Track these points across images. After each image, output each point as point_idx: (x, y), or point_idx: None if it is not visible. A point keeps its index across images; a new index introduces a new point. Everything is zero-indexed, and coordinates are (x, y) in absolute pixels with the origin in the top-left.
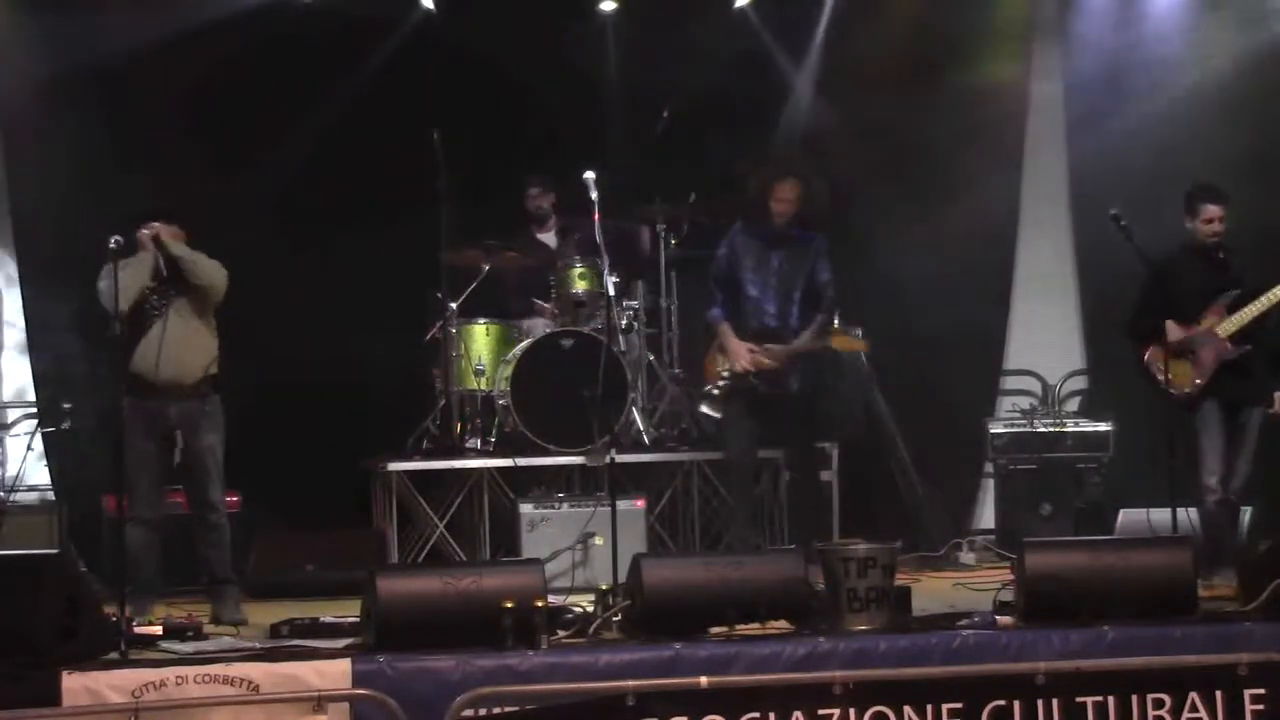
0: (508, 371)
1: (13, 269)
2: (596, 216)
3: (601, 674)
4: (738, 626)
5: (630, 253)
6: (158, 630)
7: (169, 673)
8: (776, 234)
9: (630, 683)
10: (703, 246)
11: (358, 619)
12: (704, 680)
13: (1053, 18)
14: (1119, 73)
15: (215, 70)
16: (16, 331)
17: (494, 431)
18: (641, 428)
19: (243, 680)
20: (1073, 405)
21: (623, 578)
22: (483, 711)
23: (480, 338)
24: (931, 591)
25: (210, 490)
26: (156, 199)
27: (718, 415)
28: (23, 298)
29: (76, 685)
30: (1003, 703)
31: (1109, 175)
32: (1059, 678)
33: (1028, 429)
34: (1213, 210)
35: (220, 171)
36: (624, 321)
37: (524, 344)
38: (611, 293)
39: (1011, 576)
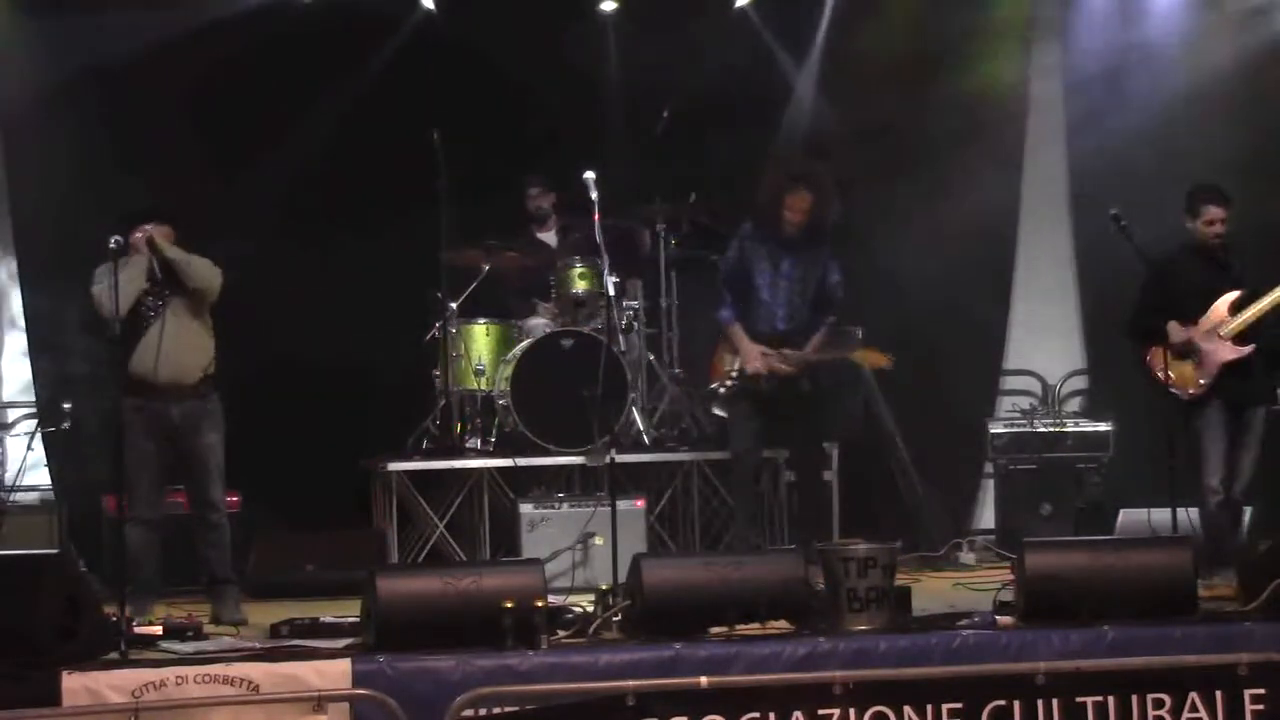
0: (508, 371)
1: (13, 269)
2: (596, 216)
3: (601, 674)
4: (738, 626)
5: (630, 252)
6: (158, 630)
7: (169, 673)
8: (787, 240)
9: (630, 683)
10: (703, 246)
11: (358, 619)
12: (704, 680)
13: (1053, 18)
14: (1119, 73)
15: (215, 70)
16: (17, 331)
17: (494, 431)
18: (641, 428)
19: (243, 680)
20: (1073, 405)
21: (623, 578)
22: (483, 711)
23: (480, 338)
24: (931, 591)
25: (211, 490)
26: (155, 199)
27: (724, 414)
28: (23, 298)
29: (76, 685)
30: (1003, 703)
31: (1109, 175)
32: (1059, 678)
33: (1028, 429)
34: (1214, 212)
35: (220, 171)
36: (624, 321)
37: (524, 344)
38: (611, 293)
39: (1011, 576)
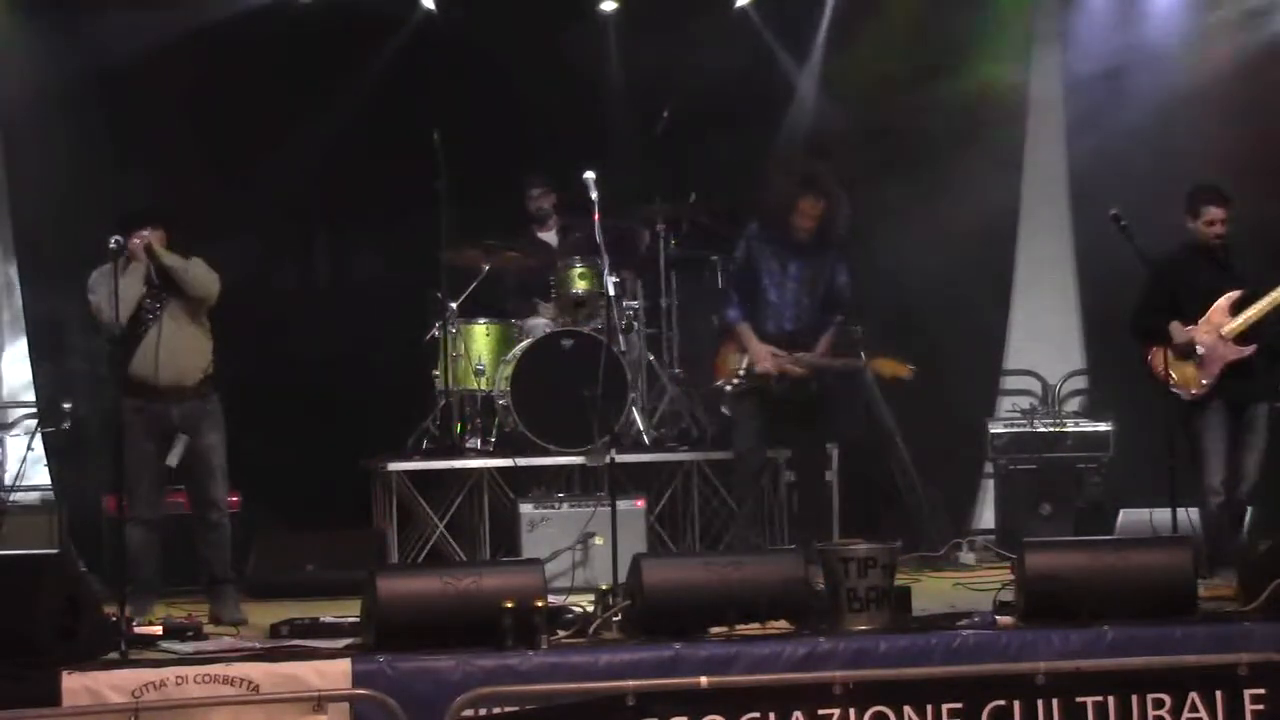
0: (508, 371)
1: (13, 270)
2: (596, 216)
3: (601, 674)
4: (738, 626)
5: (628, 253)
6: (158, 630)
7: (169, 673)
8: (797, 244)
9: (630, 683)
10: (703, 246)
11: (358, 619)
12: (704, 680)
13: (1053, 18)
14: (1119, 73)
15: (215, 71)
16: (17, 332)
17: (494, 431)
18: (641, 428)
19: (243, 680)
20: (1073, 405)
21: (623, 578)
22: (483, 711)
23: (480, 338)
24: (931, 591)
25: (213, 489)
26: (152, 201)
27: (729, 412)
28: (23, 298)
29: (76, 685)
30: (1003, 703)
31: (1109, 175)
32: (1059, 678)
33: (1028, 429)
34: (1215, 212)
35: (220, 171)
36: (624, 321)
37: (524, 344)
38: (611, 293)
39: (1011, 576)
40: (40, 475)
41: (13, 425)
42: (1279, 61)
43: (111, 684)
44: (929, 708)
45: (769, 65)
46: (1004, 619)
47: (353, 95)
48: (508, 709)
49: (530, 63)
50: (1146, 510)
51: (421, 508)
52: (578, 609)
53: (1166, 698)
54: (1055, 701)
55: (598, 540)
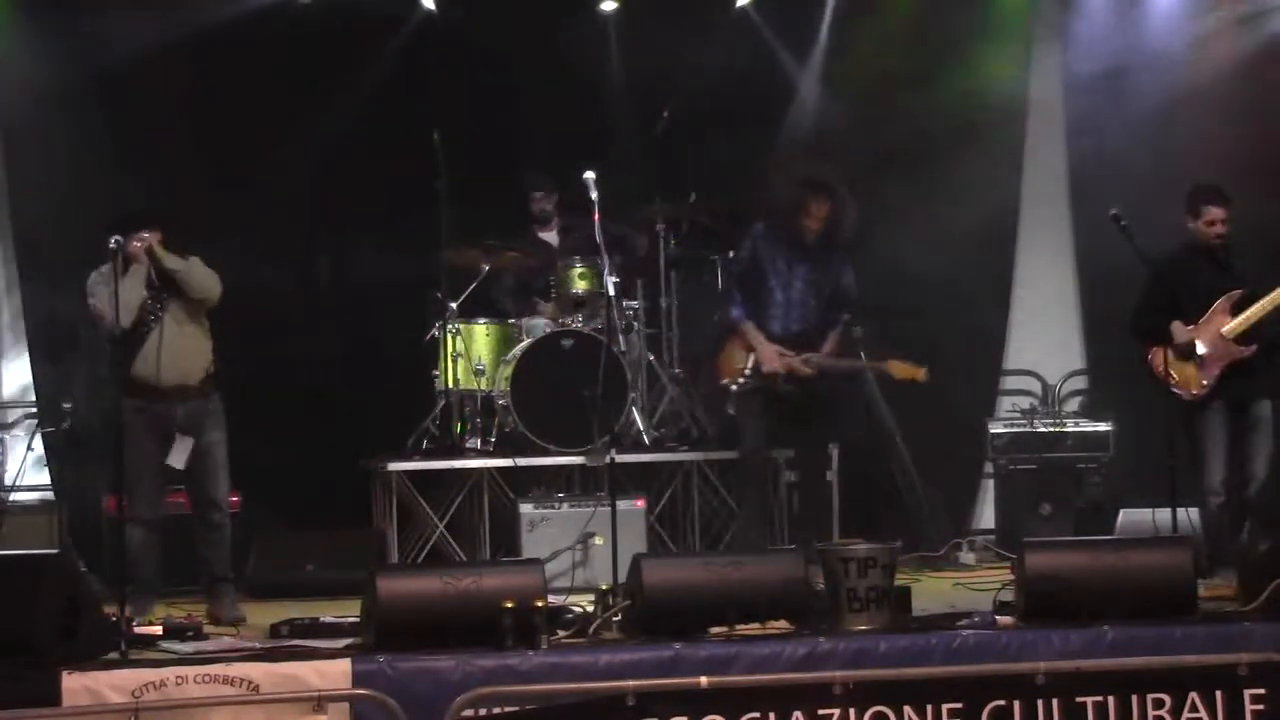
0: (508, 371)
1: (13, 270)
2: (596, 216)
3: (601, 674)
4: (738, 626)
5: (625, 257)
6: (158, 630)
7: (169, 673)
8: (804, 245)
9: (630, 683)
10: (703, 246)
11: (358, 619)
12: (704, 680)
13: (1053, 18)
14: (1119, 73)
15: (215, 71)
16: (17, 332)
17: (494, 431)
18: (641, 428)
19: (243, 680)
20: (1073, 405)
21: (623, 578)
22: (483, 711)
23: (480, 338)
24: (931, 591)
25: (215, 488)
26: (151, 202)
27: (733, 412)
28: (23, 298)
29: (76, 685)
30: (1003, 703)
31: (1109, 175)
32: (1059, 678)
33: (1028, 429)
34: (1215, 212)
35: (220, 171)
36: (624, 321)
37: (524, 344)
38: (611, 293)
39: (1011, 576)
40: (40, 475)
41: (13, 425)
42: (1279, 61)
43: (111, 684)
44: (929, 708)
45: (769, 65)
46: (1004, 619)
47: (353, 95)
48: (508, 709)
49: (530, 62)
50: (1147, 510)
51: (421, 508)
52: (578, 609)
53: (1166, 698)
54: (1055, 701)
55: (598, 540)
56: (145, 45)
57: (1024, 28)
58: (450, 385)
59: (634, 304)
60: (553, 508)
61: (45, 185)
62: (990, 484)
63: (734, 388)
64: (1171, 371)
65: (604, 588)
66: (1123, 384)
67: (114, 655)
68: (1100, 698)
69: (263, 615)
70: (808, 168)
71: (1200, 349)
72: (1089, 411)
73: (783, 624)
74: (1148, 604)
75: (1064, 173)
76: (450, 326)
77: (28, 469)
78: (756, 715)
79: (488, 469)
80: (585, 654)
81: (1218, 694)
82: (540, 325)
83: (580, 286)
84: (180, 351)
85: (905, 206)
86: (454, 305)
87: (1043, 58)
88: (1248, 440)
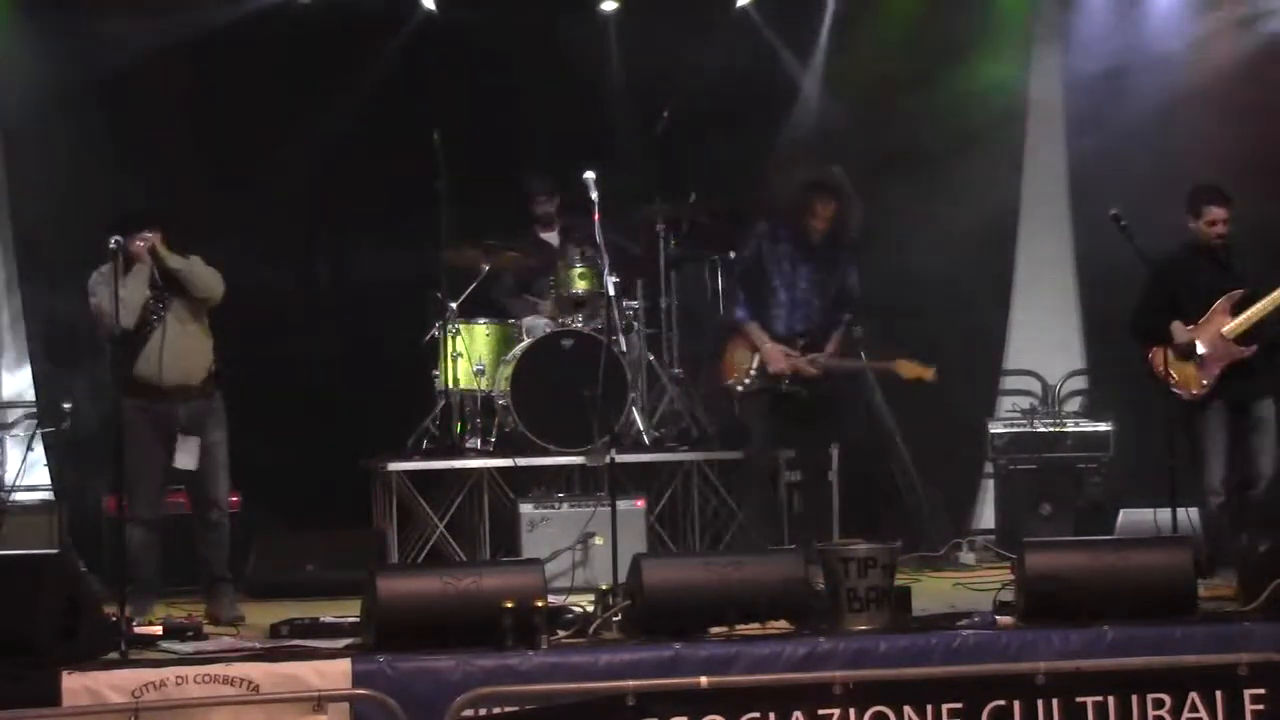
0: (508, 371)
1: (13, 270)
2: (596, 216)
3: (601, 674)
4: (738, 626)
5: (623, 268)
6: (158, 630)
7: (169, 673)
8: (809, 245)
9: (630, 683)
10: (703, 246)
11: (358, 619)
12: (704, 680)
13: (1053, 18)
14: (1119, 73)
15: (215, 71)
16: (17, 332)
17: (494, 431)
18: (641, 428)
19: (243, 680)
20: (1073, 405)
21: (623, 578)
22: (483, 711)
23: (480, 338)
24: (931, 591)
25: (216, 488)
26: (151, 202)
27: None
28: (23, 299)
29: (76, 685)
30: (1003, 703)
31: (1109, 175)
32: (1059, 678)
33: (1028, 429)
34: (1216, 212)
35: (220, 172)
36: (624, 321)
37: (524, 344)
38: (611, 293)
39: (1011, 576)
40: (40, 475)
41: (13, 425)
42: (1279, 61)
43: (111, 684)
44: (929, 708)
45: (769, 65)
46: (1004, 619)
47: (353, 95)
48: (508, 709)
49: (530, 62)
50: (1147, 510)
51: (421, 508)
52: (578, 609)
53: (1166, 698)
54: (1055, 701)
55: (598, 540)
56: (145, 45)
57: (1024, 28)
58: (450, 385)
59: (634, 304)
60: (553, 508)
61: (45, 185)
62: (990, 484)
63: (739, 389)
64: (1171, 371)
65: (604, 588)
66: (1123, 384)
67: (114, 655)
68: (1100, 698)
69: (263, 615)
70: (813, 168)
71: (1200, 349)
72: (1089, 411)
73: (783, 624)
74: (1148, 604)
75: (1064, 173)
76: (450, 326)
77: (28, 469)
78: (756, 715)
79: (488, 469)
80: (585, 654)
81: (1218, 694)
82: (540, 325)
83: (580, 286)
84: (182, 351)
85: (906, 206)
86: (454, 305)
87: (1043, 58)
88: (1250, 440)
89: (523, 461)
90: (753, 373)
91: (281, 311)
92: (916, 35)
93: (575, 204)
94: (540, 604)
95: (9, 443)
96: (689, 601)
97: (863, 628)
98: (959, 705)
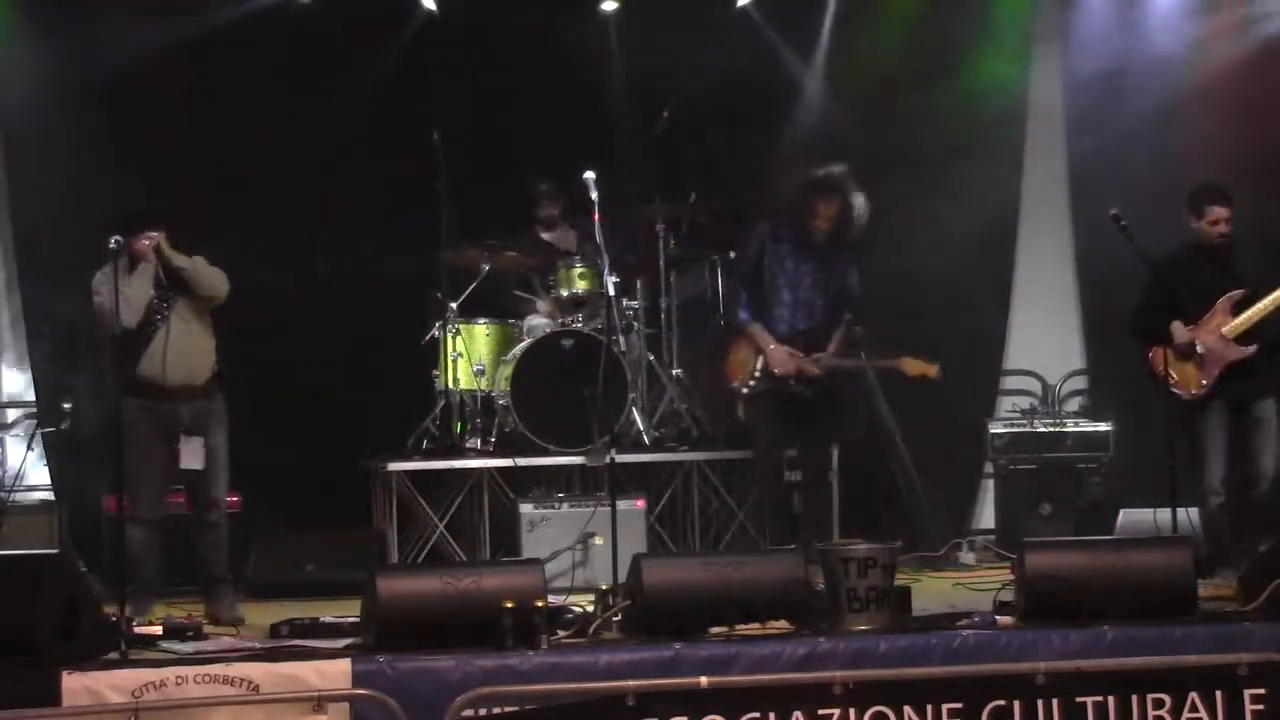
0: (508, 371)
1: (13, 270)
2: (597, 216)
3: (601, 674)
4: (738, 626)
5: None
6: (158, 630)
7: (169, 673)
8: (811, 244)
9: (630, 683)
10: (703, 246)
11: (358, 619)
12: (704, 680)
13: (1053, 18)
14: (1119, 73)
15: (215, 71)
16: (17, 332)
17: (494, 431)
18: (641, 428)
19: (243, 680)
20: (1073, 405)
21: (623, 578)
22: (483, 711)
23: (480, 338)
24: (931, 591)
25: (215, 489)
26: (153, 201)
27: (742, 415)
28: (23, 298)
29: (76, 685)
30: (1003, 703)
31: (1109, 175)
32: (1059, 678)
33: (1028, 429)
34: (1219, 212)
35: (220, 172)
36: (624, 321)
37: (524, 344)
38: (611, 293)
39: (1011, 576)
40: (40, 475)
41: (13, 425)
42: (1279, 62)
43: (111, 684)
44: (929, 708)
45: (770, 65)
46: (1004, 619)
47: (353, 95)
48: (508, 709)
49: (530, 62)
50: (1147, 510)
51: (421, 508)
52: (578, 609)
53: (1166, 698)
54: (1055, 701)
55: (598, 540)
56: (145, 46)
57: (1024, 28)
58: (450, 385)
59: (634, 304)
60: (553, 508)
61: (45, 185)
62: (990, 484)
63: (744, 390)
64: (1171, 371)
65: (604, 588)
66: (1123, 384)
67: (114, 655)
68: (1100, 698)
69: (263, 615)
70: (815, 167)
71: (1200, 349)
72: (1089, 411)
73: (783, 624)
74: (1148, 604)
75: (1064, 173)
76: (450, 326)
77: (28, 469)
78: (756, 715)
79: (488, 469)
80: (585, 654)
81: (1218, 694)
82: (540, 325)
83: (580, 286)
84: (186, 351)
85: (906, 206)
86: (454, 305)
87: (1043, 58)
88: (1251, 440)
89: (523, 461)
90: (757, 374)
91: (281, 311)
92: (916, 35)
93: (575, 204)
94: (540, 604)
95: (9, 443)
96: (689, 601)
97: (863, 628)
98: (959, 705)
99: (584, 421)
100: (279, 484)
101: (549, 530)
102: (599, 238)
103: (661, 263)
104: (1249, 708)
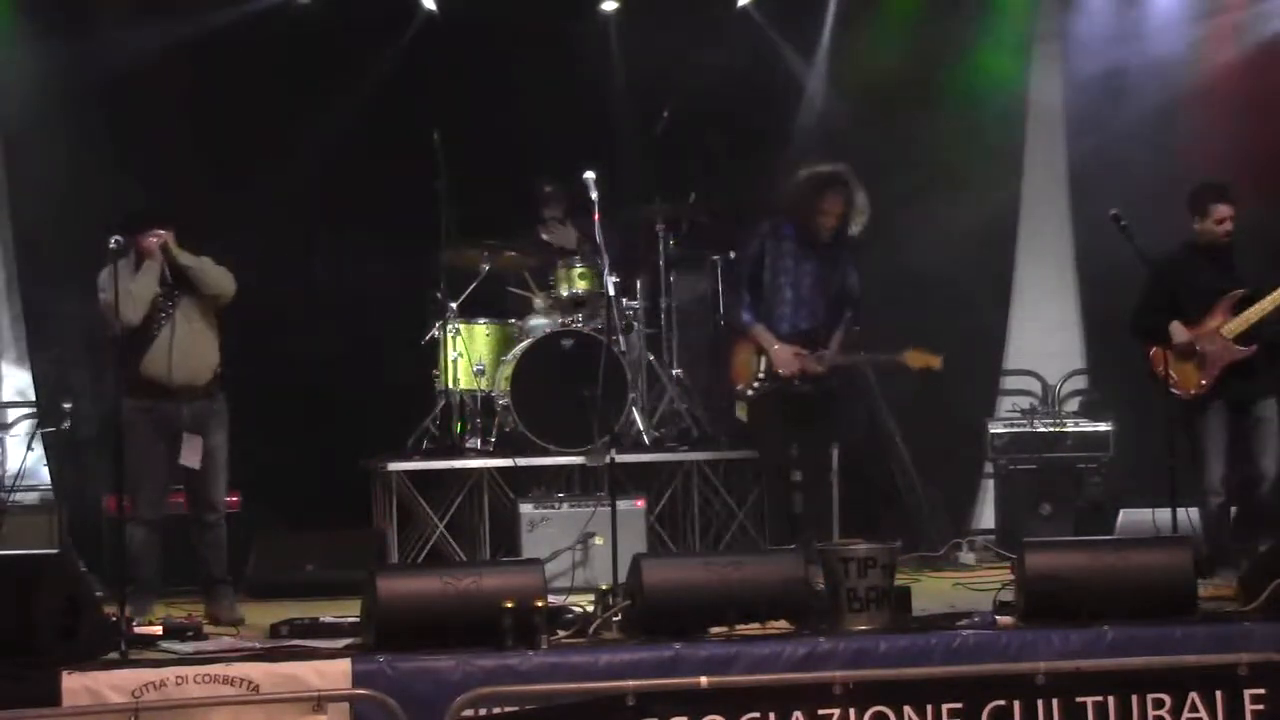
0: (508, 371)
1: (13, 270)
2: (596, 216)
3: (601, 674)
4: (738, 626)
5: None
6: (158, 630)
7: (169, 673)
8: (811, 240)
9: (630, 683)
10: (703, 246)
11: (358, 619)
12: (704, 680)
13: (1053, 18)
14: (1119, 73)
15: (215, 71)
16: (17, 332)
17: (494, 431)
18: (641, 428)
19: (243, 680)
20: (1073, 405)
21: (623, 578)
22: (483, 711)
23: (480, 338)
24: (931, 591)
25: (214, 489)
26: (155, 201)
27: (744, 418)
28: (23, 299)
29: (76, 685)
30: (1003, 703)
31: (1109, 175)
32: (1059, 678)
33: (1028, 429)
34: (1224, 210)
35: (220, 172)
36: (624, 321)
37: (524, 344)
38: (611, 293)
39: (1011, 576)
40: (40, 475)
41: (13, 425)
42: (1279, 62)
43: (111, 684)
44: (929, 708)
45: (770, 65)
46: (1004, 619)
47: (353, 95)
48: (508, 709)
49: (530, 62)
50: (1147, 510)
51: (421, 508)
52: (578, 609)
53: (1166, 698)
54: (1055, 701)
55: (598, 540)
56: (145, 46)
57: (1024, 28)
58: (450, 385)
59: (634, 304)
60: (553, 508)
61: (45, 186)
62: (990, 484)
63: (750, 393)
64: (1171, 371)
65: (604, 588)
66: (1123, 384)
67: (114, 655)
68: (1100, 698)
69: (263, 615)
70: (820, 164)
71: (1200, 349)
72: (1089, 411)
73: (783, 624)
74: (1148, 604)
75: (1064, 173)
76: (450, 326)
77: (28, 469)
78: (756, 715)
79: (488, 469)
80: (585, 654)
81: (1218, 694)
82: (540, 325)
83: (580, 286)
84: (191, 350)
85: (906, 206)
86: (454, 305)
87: (1043, 58)
88: (1251, 440)
89: (523, 461)
90: (761, 375)
91: (281, 311)
92: (916, 35)
93: (575, 204)
94: (540, 604)
95: (9, 443)
96: (689, 601)
97: (863, 628)
98: (959, 705)
99: (584, 421)
100: (279, 484)
101: (549, 530)
102: (599, 238)
103: (661, 263)
104: (1249, 708)
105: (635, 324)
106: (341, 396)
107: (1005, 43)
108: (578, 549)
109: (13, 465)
